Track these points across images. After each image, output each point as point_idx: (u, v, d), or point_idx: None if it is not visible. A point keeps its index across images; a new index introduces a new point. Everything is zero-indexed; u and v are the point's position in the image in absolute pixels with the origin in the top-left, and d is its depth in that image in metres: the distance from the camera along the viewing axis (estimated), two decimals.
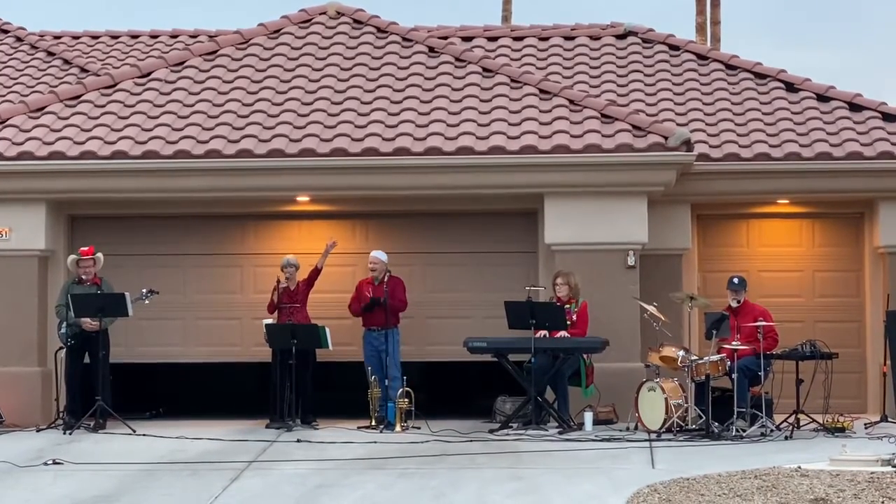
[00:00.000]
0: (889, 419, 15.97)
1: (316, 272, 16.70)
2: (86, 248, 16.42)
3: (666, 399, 15.16)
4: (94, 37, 23.98)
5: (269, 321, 16.53)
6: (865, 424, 15.61)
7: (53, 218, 17.30)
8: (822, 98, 18.63)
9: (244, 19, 57.05)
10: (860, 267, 17.89)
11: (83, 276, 16.30)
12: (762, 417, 15.05)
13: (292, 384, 15.95)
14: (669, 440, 14.71)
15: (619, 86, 19.48)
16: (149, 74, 18.77)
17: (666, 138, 16.76)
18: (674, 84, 19.42)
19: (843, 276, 17.97)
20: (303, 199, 17.36)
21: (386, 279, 16.51)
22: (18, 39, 23.18)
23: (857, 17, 55.41)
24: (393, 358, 16.32)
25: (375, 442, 14.77)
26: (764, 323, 15.41)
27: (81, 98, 18.21)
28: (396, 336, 16.47)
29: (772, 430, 15.01)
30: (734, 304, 15.84)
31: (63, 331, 16.19)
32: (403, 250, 17.44)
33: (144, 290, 16.23)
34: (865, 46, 54.58)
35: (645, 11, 52.44)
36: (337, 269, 17.39)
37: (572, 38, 21.07)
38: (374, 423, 16.00)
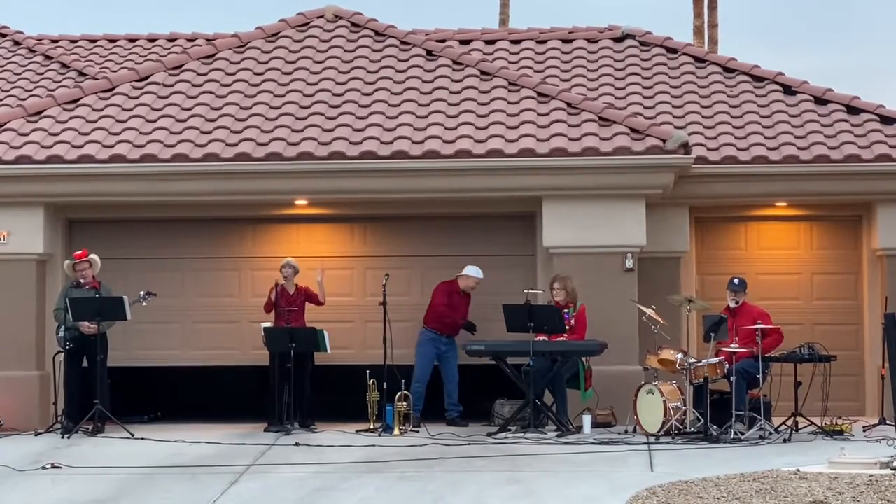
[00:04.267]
0: (887, 422, 15.95)
1: (317, 303, 16.70)
2: (79, 252, 16.42)
3: (664, 402, 15.15)
4: (92, 40, 23.97)
5: (268, 325, 16.53)
6: (864, 427, 15.61)
7: (51, 221, 17.30)
8: (820, 101, 18.63)
9: (242, 23, 57.01)
10: (858, 270, 17.90)
11: (81, 280, 16.29)
12: (760, 420, 15.05)
13: (291, 387, 15.95)
14: (668, 443, 14.71)
15: (616, 88, 19.49)
16: (147, 78, 18.77)
17: (664, 141, 16.77)
18: (672, 87, 19.43)
19: (842, 278, 17.97)
20: (301, 202, 17.36)
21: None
22: (16, 43, 23.16)
23: (855, 20, 55.47)
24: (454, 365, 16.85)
25: (374, 445, 14.76)
26: (762, 326, 15.42)
27: (79, 102, 18.20)
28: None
29: (770, 433, 15.01)
30: (732, 305, 15.85)
31: (61, 334, 16.18)
32: (401, 254, 17.46)
33: (142, 293, 16.23)
34: (863, 50, 54.64)
35: (642, 14, 52.59)
36: (335, 273, 17.39)
37: (570, 41, 21.08)
38: (373, 426, 15.99)
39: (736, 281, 16.00)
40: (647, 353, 15.85)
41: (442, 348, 16.78)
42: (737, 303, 15.86)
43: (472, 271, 16.80)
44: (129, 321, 16.12)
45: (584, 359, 16.00)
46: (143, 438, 15.34)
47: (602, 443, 14.73)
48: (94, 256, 16.39)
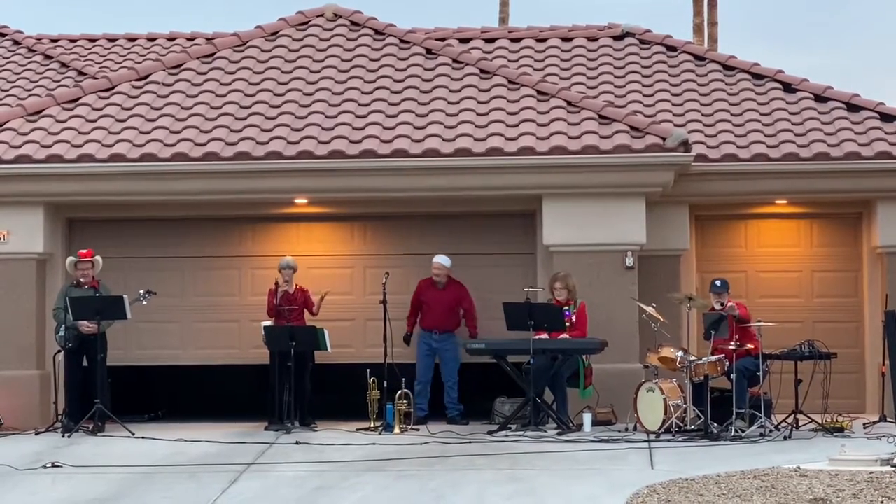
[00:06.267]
0: (888, 419, 15.97)
1: (311, 311, 16.70)
2: (84, 251, 16.42)
3: (665, 400, 15.15)
4: (92, 40, 23.98)
5: (268, 323, 16.53)
6: (864, 424, 15.62)
7: (51, 221, 17.30)
8: (820, 98, 18.63)
9: (241, 22, 57.07)
10: (858, 267, 17.90)
11: (81, 279, 16.28)
12: (761, 418, 15.05)
13: (291, 386, 15.95)
14: (668, 441, 14.71)
15: (616, 87, 19.48)
16: (146, 77, 18.77)
17: (664, 139, 16.76)
18: (671, 85, 19.42)
19: (842, 276, 17.97)
20: (301, 201, 17.36)
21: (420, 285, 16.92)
22: (16, 42, 23.17)
23: (854, 18, 55.45)
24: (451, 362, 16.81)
25: (374, 444, 14.76)
26: (762, 323, 15.42)
27: (79, 101, 18.20)
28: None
29: (771, 431, 15.01)
30: (717, 307, 15.73)
31: (61, 334, 16.17)
32: (401, 252, 17.45)
33: (142, 291, 16.22)
34: (862, 48, 54.63)
35: (642, 12, 52.57)
36: (335, 272, 17.42)
37: (570, 40, 21.08)
38: (373, 424, 15.98)
39: (718, 283, 15.92)
40: (648, 351, 15.85)
41: (433, 345, 16.76)
42: (722, 304, 15.76)
43: (434, 258, 16.80)
44: (129, 320, 16.13)
45: (583, 357, 15.99)
46: (143, 437, 15.34)
47: (602, 441, 14.73)
48: (97, 258, 16.38)
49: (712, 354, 15.32)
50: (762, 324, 15.44)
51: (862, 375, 17.63)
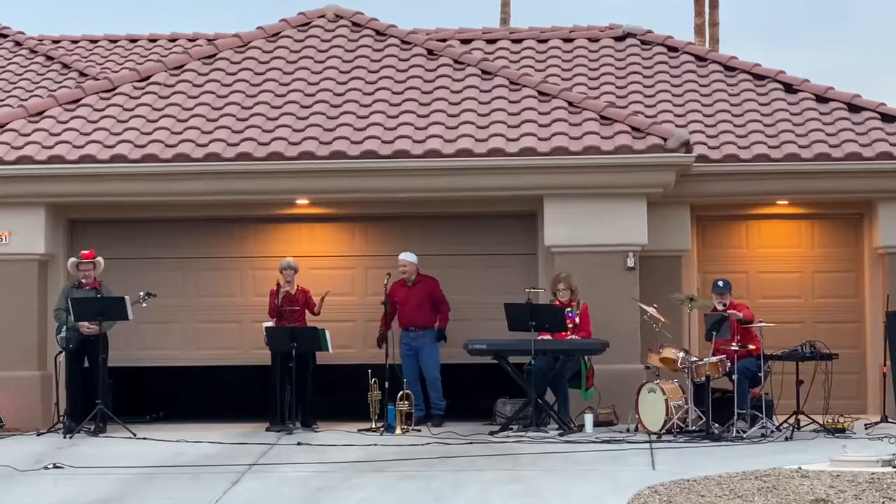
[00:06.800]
0: (889, 419, 15.97)
1: (312, 312, 16.67)
2: (86, 252, 16.42)
3: (666, 400, 15.16)
4: (93, 41, 23.98)
5: (269, 324, 16.53)
6: (865, 425, 15.60)
7: (53, 222, 17.30)
8: (821, 99, 18.63)
9: (243, 23, 57.08)
10: (860, 267, 17.90)
11: (83, 280, 16.28)
12: (762, 418, 15.05)
13: (292, 387, 15.95)
14: (670, 442, 14.71)
15: (617, 87, 19.49)
16: (148, 78, 18.77)
17: (665, 140, 16.76)
18: (672, 86, 19.42)
19: (843, 276, 17.97)
20: (302, 202, 17.37)
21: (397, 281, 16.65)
22: (17, 44, 23.17)
23: (855, 19, 55.45)
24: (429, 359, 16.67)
25: (376, 444, 14.77)
26: (764, 324, 15.42)
27: (80, 102, 18.20)
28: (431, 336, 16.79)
29: (772, 431, 15.01)
30: (720, 308, 15.72)
31: (62, 335, 16.17)
32: None
33: (142, 294, 16.22)
34: (863, 48, 54.63)
35: (643, 13, 52.56)
36: (336, 273, 17.42)
37: (571, 40, 21.08)
38: (375, 425, 15.98)
39: (720, 283, 15.90)
40: (649, 352, 15.86)
41: (412, 343, 16.70)
42: (724, 305, 15.73)
43: (400, 255, 16.78)
44: (130, 321, 16.12)
45: (585, 358, 15.99)
46: (145, 438, 15.34)
47: (604, 441, 14.73)
48: (99, 259, 16.38)
49: (714, 355, 15.33)
50: (763, 324, 15.45)
51: (863, 376, 17.63)
